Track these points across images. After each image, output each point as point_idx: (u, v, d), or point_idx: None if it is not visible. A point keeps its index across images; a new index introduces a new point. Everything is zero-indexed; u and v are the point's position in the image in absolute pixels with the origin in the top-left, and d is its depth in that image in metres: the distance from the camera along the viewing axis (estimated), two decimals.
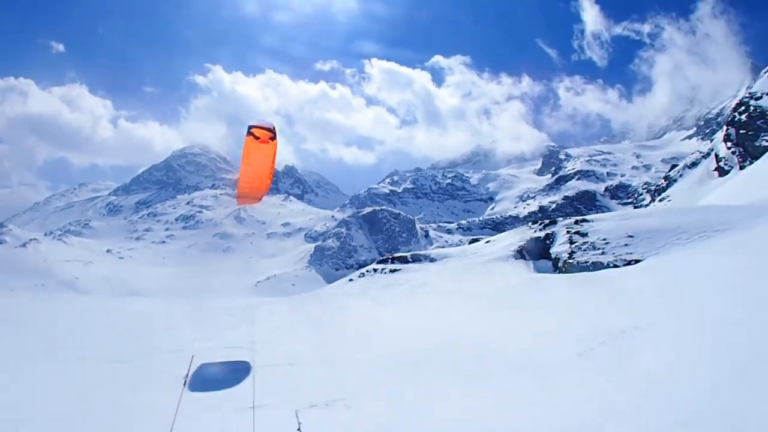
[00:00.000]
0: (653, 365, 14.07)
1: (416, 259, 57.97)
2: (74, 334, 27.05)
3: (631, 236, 42.62)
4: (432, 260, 56.30)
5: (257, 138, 16.05)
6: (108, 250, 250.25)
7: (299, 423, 10.28)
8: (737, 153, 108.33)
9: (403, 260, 58.49)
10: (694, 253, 30.99)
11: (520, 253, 50.37)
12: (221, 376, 17.15)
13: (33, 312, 37.67)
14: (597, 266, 40.92)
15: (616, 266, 39.13)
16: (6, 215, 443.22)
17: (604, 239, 44.26)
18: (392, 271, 54.87)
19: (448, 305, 32.44)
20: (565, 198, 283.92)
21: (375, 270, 57.85)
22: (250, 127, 16.28)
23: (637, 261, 37.78)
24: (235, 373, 17.59)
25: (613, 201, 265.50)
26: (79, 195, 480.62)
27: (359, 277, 58.55)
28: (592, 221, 49.70)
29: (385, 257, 65.11)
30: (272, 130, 16.40)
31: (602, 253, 42.53)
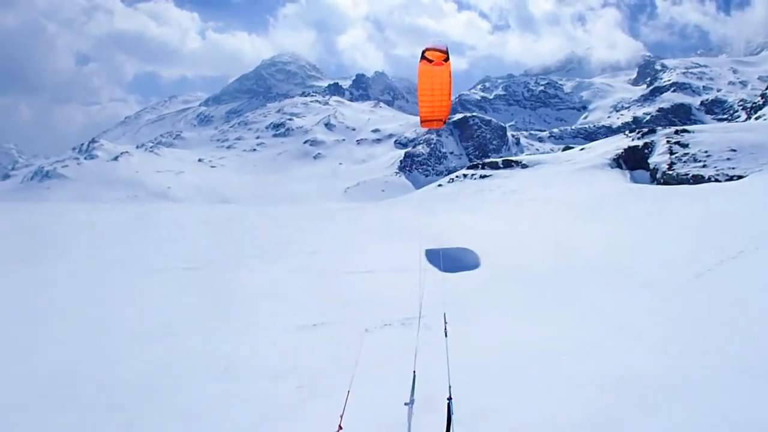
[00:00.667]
0: None
1: (507, 165, 56.23)
2: (163, 242, 26.81)
3: (734, 150, 40.34)
4: (524, 166, 54.50)
5: (430, 61, 15.93)
6: (199, 160, 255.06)
7: (445, 324, 9.58)
8: None
9: (494, 166, 56.91)
10: None
11: (616, 162, 48.30)
12: None
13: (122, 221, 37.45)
14: (698, 180, 38.84)
15: (717, 180, 37.08)
16: (98, 131, 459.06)
17: (706, 152, 41.94)
18: (482, 176, 53.57)
19: (543, 214, 30.92)
20: (660, 110, 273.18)
21: (465, 176, 56.70)
22: (424, 51, 16.30)
23: (740, 177, 35.67)
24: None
25: (708, 116, 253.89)
26: (170, 107, 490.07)
27: (448, 182, 57.56)
28: (693, 132, 47.21)
29: (474, 163, 63.64)
30: (445, 51, 16.26)
31: (703, 166, 40.35)
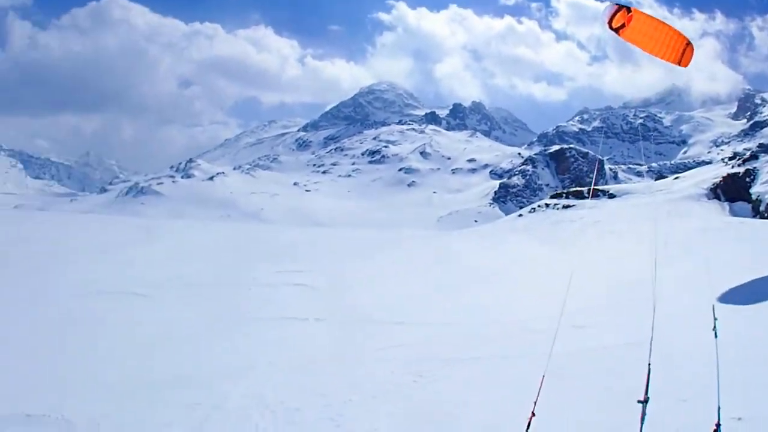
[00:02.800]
0: None
1: (593, 194, 51.94)
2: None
3: None
4: (611, 196, 50.22)
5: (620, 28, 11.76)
6: (295, 183, 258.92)
7: (715, 320, 8.03)
8: None
9: (579, 195, 52.80)
10: None
11: (714, 192, 43.61)
12: None
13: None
14: None
15: None
16: (197, 152, 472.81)
17: None
18: (565, 207, 49.52)
19: (623, 250, 27.14)
20: (761, 146, 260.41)
21: (547, 205, 53.08)
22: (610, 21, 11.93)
23: None
24: None
25: None
26: (269, 131, 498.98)
27: (529, 212, 54.25)
28: None
29: (559, 192, 59.65)
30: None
31: None
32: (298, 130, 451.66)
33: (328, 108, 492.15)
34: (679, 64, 13.34)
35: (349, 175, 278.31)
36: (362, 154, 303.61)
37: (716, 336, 7.68)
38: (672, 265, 20.85)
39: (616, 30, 12.45)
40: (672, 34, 13.24)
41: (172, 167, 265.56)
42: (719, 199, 42.68)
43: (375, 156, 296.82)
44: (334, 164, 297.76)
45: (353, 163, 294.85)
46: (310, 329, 16.38)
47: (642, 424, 6.38)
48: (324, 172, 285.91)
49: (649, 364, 6.92)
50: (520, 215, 55.47)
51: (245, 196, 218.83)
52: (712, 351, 7.23)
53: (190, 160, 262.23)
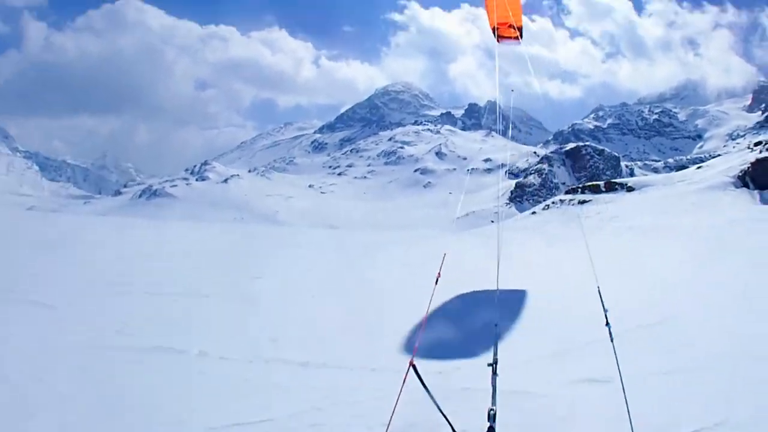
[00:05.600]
0: None
1: (610, 188, 48.85)
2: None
3: None
4: (629, 189, 47.30)
5: None
6: (310, 186, 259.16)
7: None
8: None
9: (595, 189, 49.82)
10: None
11: (742, 180, 40.06)
12: None
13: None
14: None
15: None
16: (214, 154, 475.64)
17: None
18: (581, 202, 46.54)
19: (647, 248, 24.44)
20: None
21: (562, 201, 50.46)
22: None
23: None
24: None
25: None
26: (285, 134, 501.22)
27: (543, 209, 51.98)
28: None
29: (574, 186, 56.57)
30: None
31: None
32: (314, 132, 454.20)
33: (343, 110, 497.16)
34: (500, 32, 14.05)
35: (365, 177, 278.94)
36: (378, 156, 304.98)
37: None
38: (711, 266, 17.71)
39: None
40: (516, 6, 13.86)
41: (186, 170, 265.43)
42: (748, 187, 39.17)
43: (391, 157, 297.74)
44: (349, 166, 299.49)
45: (369, 165, 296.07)
46: None
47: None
48: (340, 174, 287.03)
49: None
50: (534, 212, 53.15)
51: (260, 199, 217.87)
52: None
53: (205, 163, 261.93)
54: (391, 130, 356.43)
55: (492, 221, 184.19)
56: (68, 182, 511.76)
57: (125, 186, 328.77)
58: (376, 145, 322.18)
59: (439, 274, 6.92)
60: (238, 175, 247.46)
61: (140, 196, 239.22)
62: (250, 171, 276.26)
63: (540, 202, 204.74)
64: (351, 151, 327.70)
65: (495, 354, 6.40)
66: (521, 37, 14.35)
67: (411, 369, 6.00)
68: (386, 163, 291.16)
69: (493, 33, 14.47)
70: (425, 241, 36.42)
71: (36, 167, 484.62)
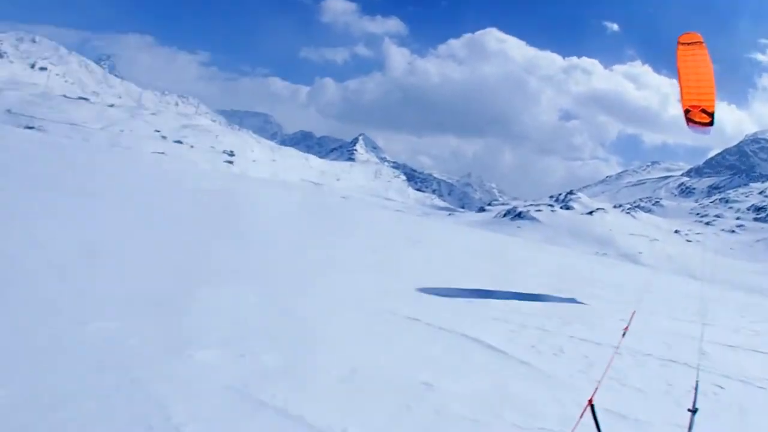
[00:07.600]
0: None
1: None
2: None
3: None
4: None
5: (687, 44, 14.46)
6: (676, 231, 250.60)
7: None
8: None
9: None
10: None
11: None
12: None
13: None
14: None
15: None
16: (576, 185, 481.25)
17: None
18: None
19: None
20: None
21: None
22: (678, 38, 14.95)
23: None
24: None
25: None
26: (651, 173, 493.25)
27: None
28: None
29: None
30: (699, 36, 14.79)
31: None
32: (681, 175, 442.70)
33: (711, 154, 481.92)
34: (690, 117, 14.54)
35: (733, 231, 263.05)
36: (747, 209, 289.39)
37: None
38: None
39: (681, 42, 14.45)
40: (710, 90, 14.49)
41: (551, 197, 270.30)
42: None
43: (760, 213, 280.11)
44: (717, 216, 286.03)
45: (737, 218, 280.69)
46: None
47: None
48: (707, 224, 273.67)
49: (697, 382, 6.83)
50: None
51: (623, 236, 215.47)
52: None
53: (570, 192, 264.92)
54: (762, 182, 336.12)
55: None
56: (433, 194, 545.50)
57: (489, 204, 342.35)
58: (746, 197, 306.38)
59: None
60: (603, 209, 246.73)
61: (504, 215, 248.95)
62: (615, 207, 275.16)
63: None
64: (719, 200, 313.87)
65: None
66: (712, 124, 14.33)
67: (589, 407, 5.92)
68: (755, 219, 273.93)
69: (685, 115, 14.79)
70: None
71: (403, 176, 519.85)
